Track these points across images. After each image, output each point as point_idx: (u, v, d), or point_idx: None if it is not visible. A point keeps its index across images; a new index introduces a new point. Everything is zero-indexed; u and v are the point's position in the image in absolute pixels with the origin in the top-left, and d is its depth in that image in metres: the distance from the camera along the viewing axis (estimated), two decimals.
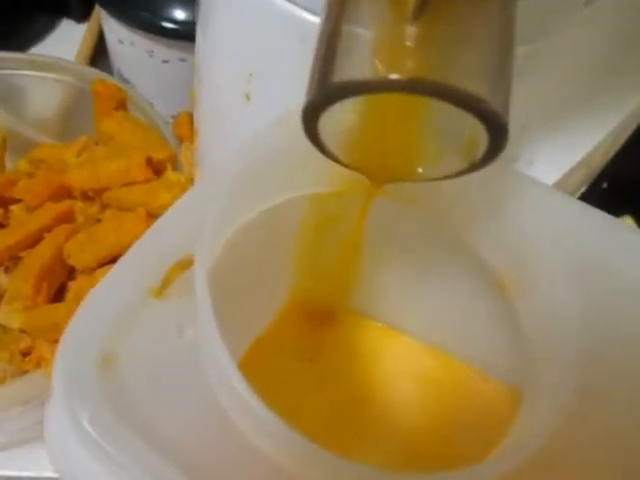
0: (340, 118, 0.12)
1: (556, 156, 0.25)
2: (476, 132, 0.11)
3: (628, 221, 0.46)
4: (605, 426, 0.16)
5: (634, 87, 0.25)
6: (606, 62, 0.24)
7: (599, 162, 0.31)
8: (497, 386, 0.23)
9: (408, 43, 0.11)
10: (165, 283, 0.12)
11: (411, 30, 0.12)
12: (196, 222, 0.13)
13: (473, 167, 0.12)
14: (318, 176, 0.16)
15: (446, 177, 0.12)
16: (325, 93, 0.10)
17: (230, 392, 0.11)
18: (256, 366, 0.23)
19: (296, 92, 0.13)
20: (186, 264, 0.13)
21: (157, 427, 0.11)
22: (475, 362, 0.23)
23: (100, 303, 0.12)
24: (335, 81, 0.10)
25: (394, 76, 0.09)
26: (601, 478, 0.14)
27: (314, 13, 0.16)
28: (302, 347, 0.24)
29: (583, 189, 0.33)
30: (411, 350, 0.24)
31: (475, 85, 0.10)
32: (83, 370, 0.11)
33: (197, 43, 0.22)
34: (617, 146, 0.30)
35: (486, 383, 0.24)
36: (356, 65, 0.11)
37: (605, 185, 0.43)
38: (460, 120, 0.11)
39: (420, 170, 0.13)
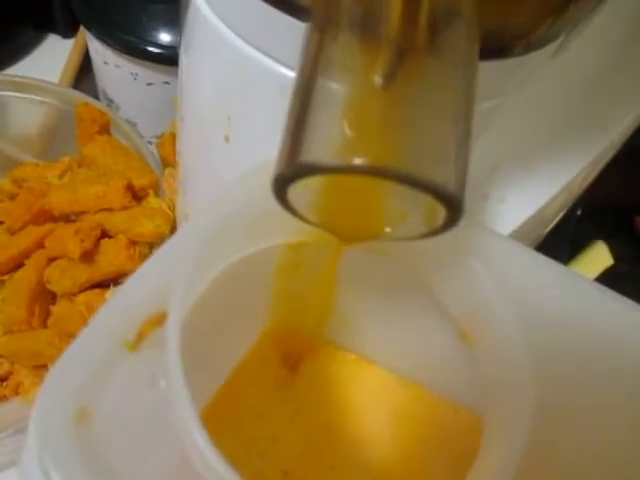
0: (310, 183, 0.13)
1: (527, 194, 0.26)
2: (435, 205, 0.12)
3: (601, 246, 0.48)
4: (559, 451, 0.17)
5: (600, 128, 0.26)
6: (573, 105, 0.25)
7: (576, 191, 0.32)
8: (467, 417, 0.24)
9: (375, 119, 0.12)
10: (139, 337, 0.13)
11: (379, 102, 0.12)
12: (171, 275, 0.14)
13: (433, 232, 0.12)
14: (292, 226, 0.16)
15: (409, 239, 0.13)
16: (293, 171, 0.11)
17: (194, 448, 0.12)
18: (234, 396, 0.24)
19: (273, 137, 0.14)
20: (159, 319, 0.13)
21: None
22: (445, 394, 0.24)
23: (76, 358, 0.13)
24: (302, 161, 0.11)
25: (358, 162, 0.10)
26: None
27: (291, 68, 0.17)
28: (278, 379, 0.25)
29: (561, 215, 0.35)
30: (383, 381, 0.25)
31: (433, 171, 0.10)
32: (57, 428, 0.11)
33: (179, 83, 0.23)
34: (592, 177, 0.32)
35: (456, 414, 0.24)
36: (324, 141, 0.11)
37: (579, 212, 0.44)
38: (421, 195, 0.11)
39: (386, 231, 0.14)
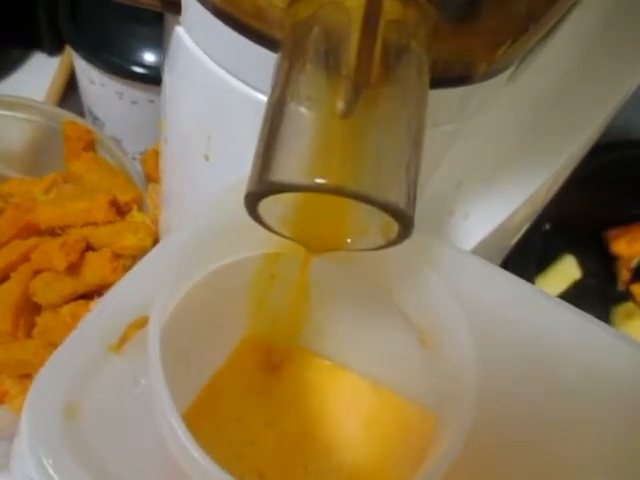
0: (279, 199, 0.14)
1: (489, 210, 0.28)
2: (390, 220, 0.13)
3: (570, 260, 0.50)
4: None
5: (557, 147, 0.28)
6: (531, 126, 0.27)
7: (539, 205, 0.33)
8: (430, 420, 0.25)
9: (336, 145, 0.13)
10: (122, 340, 0.14)
11: (340, 129, 0.14)
12: (153, 284, 0.15)
13: (389, 244, 0.14)
14: (266, 238, 0.18)
15: (369, 249, 0.15)
16: (262, 188, 0.12)
17: (172, 435, 0.13)
18: (214, 400, 0.25)
19: (249, 156, 0.15)
20: (142, 323, 0.14)
21: (115, 472, 0.12)
22: (411, 397, 0.25)
23: (65, 358, 0.14)
24: (271, 180, 0.12)
25: (320, 181, 0.12)
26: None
27: (265, 93, 0.19)
28: (256, 384, 0.26)
29: (527, 226, 0.36)
30: (356, 387, 0.26)
31: (387, 191, 0.12)
32: (48, 419, 0.13)
33: (162, 103, 0.24)
34: (553, 191, 0.33)
35: (423, 416, 0.26)
36: (290, 162, 0.13)
37: (547, 227, 0.46)
38: (378, 211, 0.13)
39: (348, 243, 0.15)
